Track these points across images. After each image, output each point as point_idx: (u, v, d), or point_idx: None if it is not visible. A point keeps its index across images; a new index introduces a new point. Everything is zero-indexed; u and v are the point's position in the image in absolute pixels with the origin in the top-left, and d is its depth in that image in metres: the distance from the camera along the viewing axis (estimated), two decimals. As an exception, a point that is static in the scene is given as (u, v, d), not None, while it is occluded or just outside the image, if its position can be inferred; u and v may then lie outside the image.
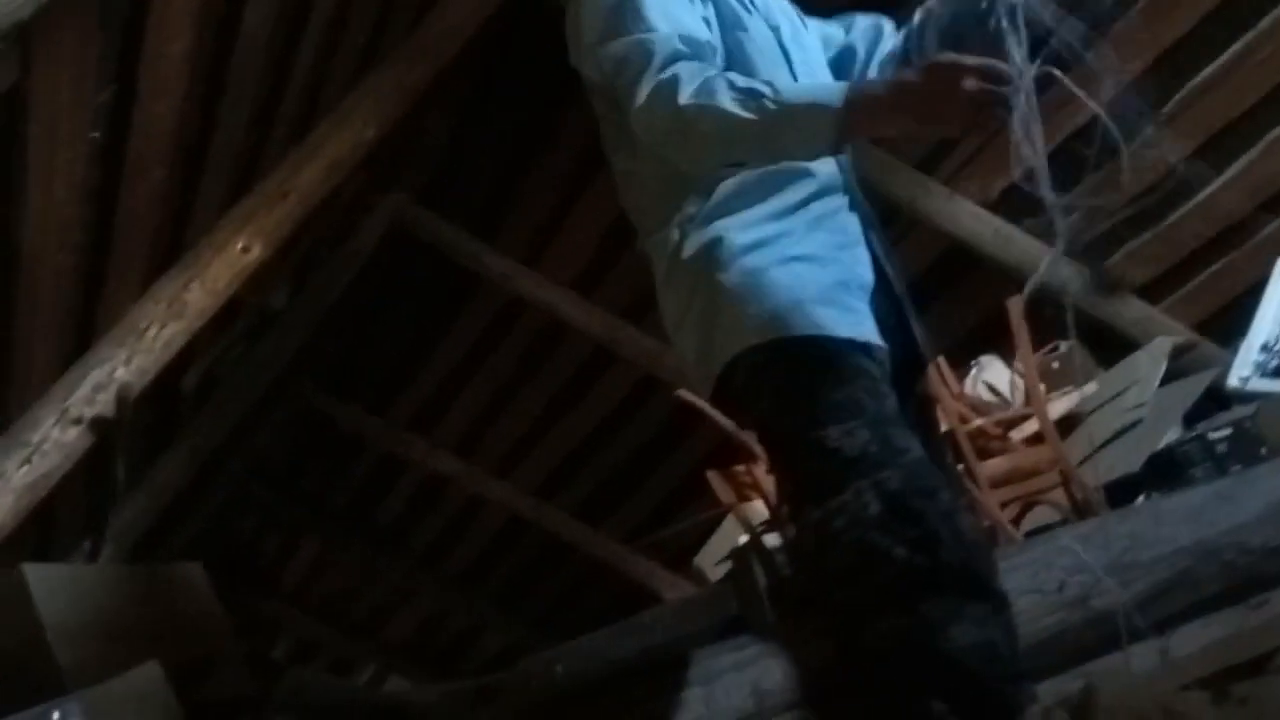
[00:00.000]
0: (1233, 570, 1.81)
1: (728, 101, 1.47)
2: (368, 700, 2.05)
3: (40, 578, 2.10)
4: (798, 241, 1.63)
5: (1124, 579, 1.75)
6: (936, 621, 1.43)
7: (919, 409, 1.81)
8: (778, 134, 1.49)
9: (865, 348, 1.59)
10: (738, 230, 1.62)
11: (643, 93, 1.52)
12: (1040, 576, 1.73)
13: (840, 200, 1.71)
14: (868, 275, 1.67)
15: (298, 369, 5.13)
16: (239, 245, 3.37)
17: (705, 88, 1.49)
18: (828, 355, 1.55)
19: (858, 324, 1.60)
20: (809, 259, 1.62)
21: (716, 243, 1.62)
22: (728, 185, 1.63)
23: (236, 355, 4.52)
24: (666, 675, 1.50)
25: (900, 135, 1.65)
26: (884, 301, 1.69)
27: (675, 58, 1.54)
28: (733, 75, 1.52)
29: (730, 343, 1.59)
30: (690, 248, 1.64)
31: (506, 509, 5.88)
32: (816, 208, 1.67)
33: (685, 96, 1.48)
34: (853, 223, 1.71)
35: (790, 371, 1.56)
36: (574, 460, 5.58)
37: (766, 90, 1.48)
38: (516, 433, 5.62)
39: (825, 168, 1.68)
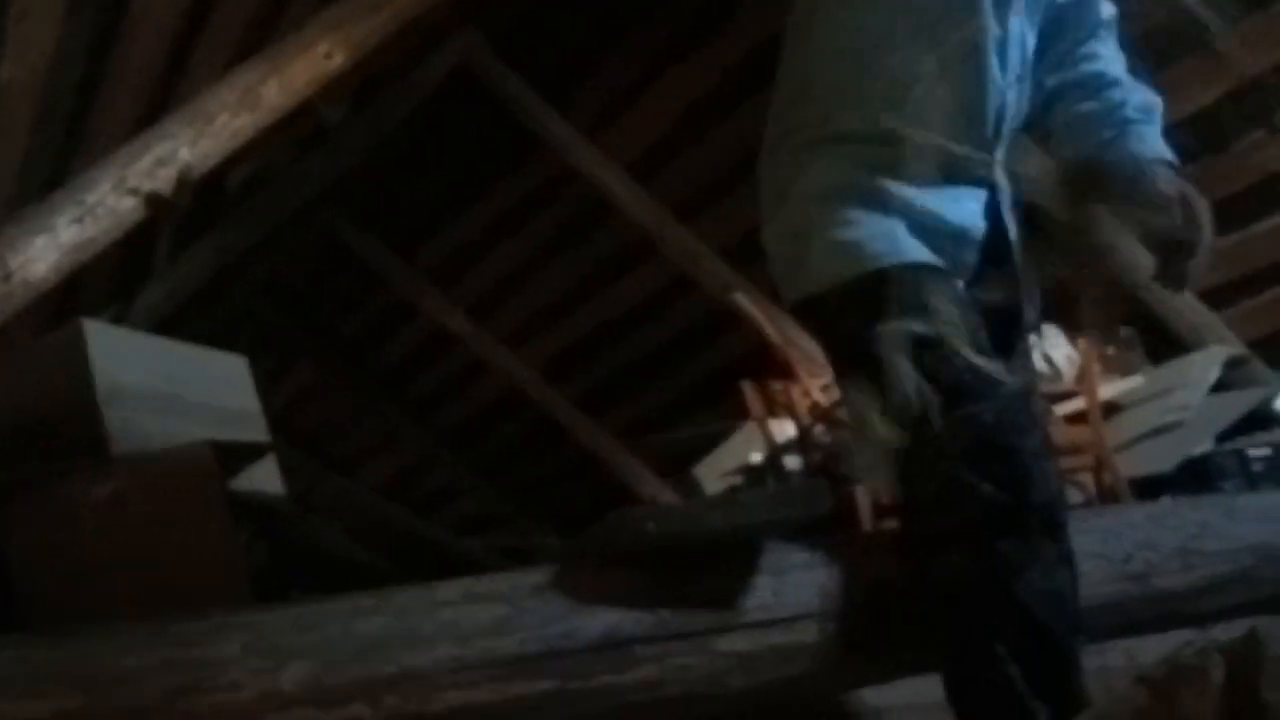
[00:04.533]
0: (1292, 581, 1.82)
1: None
2: (410, 530, 2.04)
3: (99, 335, 2.05)
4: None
5: (1187, 564, 1.76)
6: (1013, 563, 1.41)
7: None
8: None
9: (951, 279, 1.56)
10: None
11: None
12: (1109, 544, 1.73)
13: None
14: (972, 233, 1.62)
15: (336, 193, 5.04)
16: (323, 49, 3.28)
17: None
18: (918, 282, 1.52)
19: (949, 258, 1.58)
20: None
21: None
22: None
23: (284, 164, 4.43)
24: (744, 556, 1.49)
25: None
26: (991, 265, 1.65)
27: None
28: None
29: (829, 266, 1.56)
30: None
31: (509, 381, 5.85)
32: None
33: None
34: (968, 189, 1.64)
35: (880, 294, 1.51)
36: (588, 346, 5.54)
37: None
38: (536, 306, 5.57)
39: None
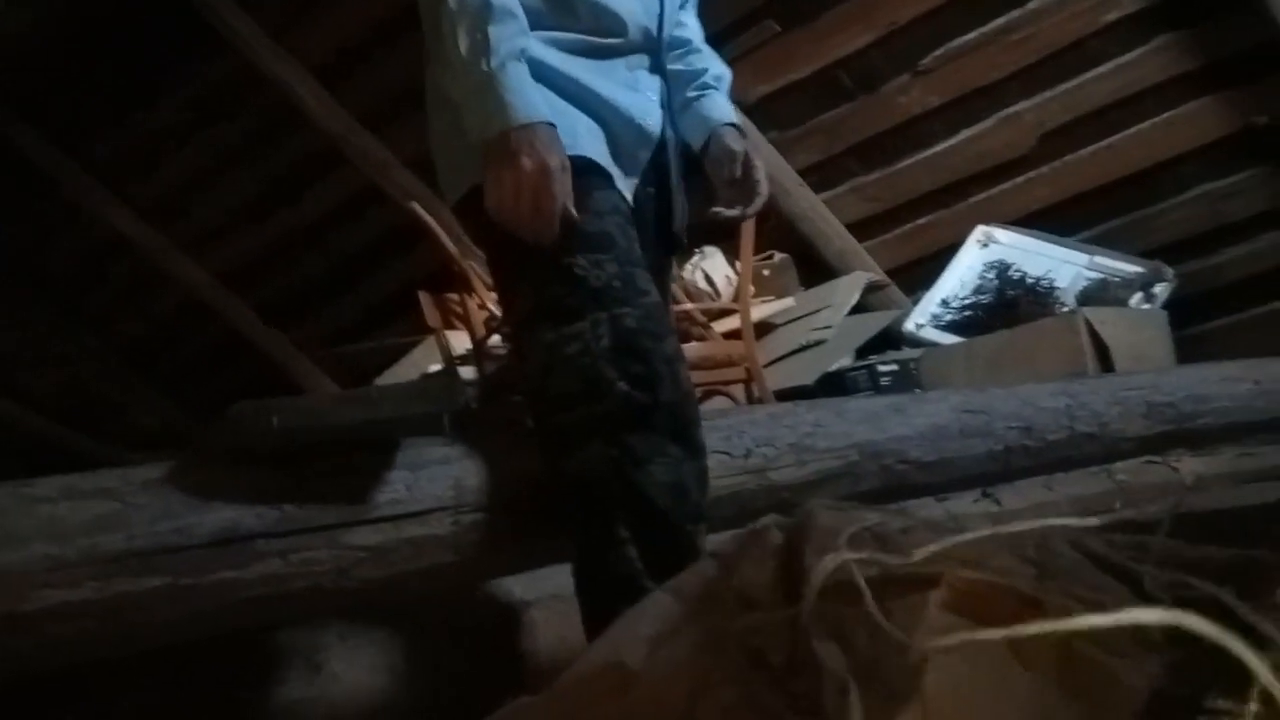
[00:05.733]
0: (889, 474, 2.03)
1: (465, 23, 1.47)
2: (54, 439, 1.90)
3: None
4: (592, 75, 1.65)
5: (801, 459, 1.92)
6: (639, 456, 1.51)
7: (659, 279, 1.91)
8: (466, 95, 1.49)
9: (617, 188, 1.64)
10: (540, 49, 1.60)
11: None
12: (732, 441, 1.86)
13: (644, 63, 1.74)
14: (651, 130, 1.72)
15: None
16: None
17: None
18: (588, 185, 1.58)
19: (620, 166, 1.66)
20: (594, 93, 1.64)
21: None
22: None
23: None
24: (379, 451, 1.50)
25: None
26: (652, 163, 1.75)
27: None
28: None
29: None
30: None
31: (188, 290, 5.53)
32: (621, 65, 1.70)
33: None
34: (650, 81, 1.75)
35: None
36: (273, 255, 5.31)
37: (493, 58, 1.46)
38: (218, 212, 5.27)
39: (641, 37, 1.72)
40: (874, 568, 0.88)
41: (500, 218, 1.49)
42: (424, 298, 3.50)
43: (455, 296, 3.42)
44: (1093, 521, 0.90)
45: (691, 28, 1.89)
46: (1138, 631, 0.85)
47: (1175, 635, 0.79)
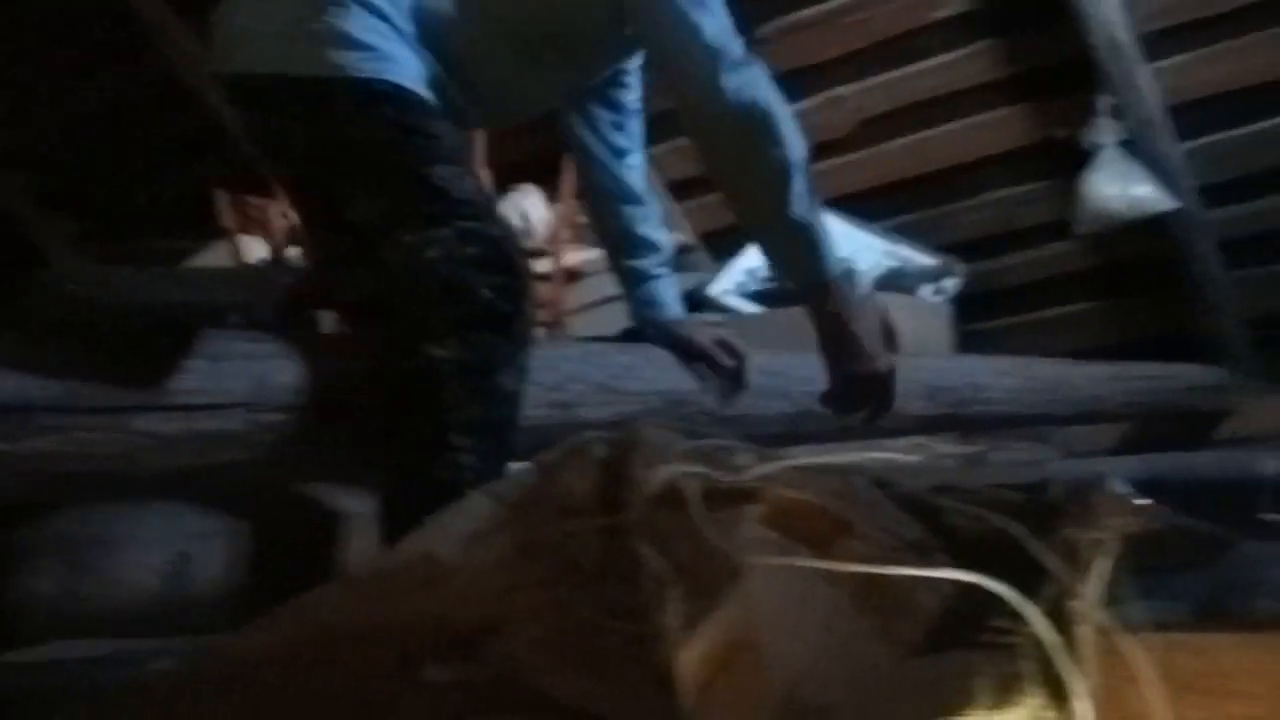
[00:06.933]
0: (687, 423, 2.08)
1: (800, 178, 1.63)
2: None
3: None
4: None
5: (606, 399, 1.95)
6: (496, 362, 1.51)
7: None
8: (789, 239, 1.70)
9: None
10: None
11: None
12: (543, 373, 1.86)
13: None
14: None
15: None
16: None
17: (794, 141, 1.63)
18: (437, 111, 1.59)
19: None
20: None
21: None
22: None
23: None
24: (179, 336, 1.43)
25: (834, 343, 1.88)
26: None
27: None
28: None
29: (336, 56, 1.54)
30: None
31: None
32: None
33: (780, 127, 1.61)
34: None
35: (405, 110, 1.56)
36: (57, 138, 4.94)
37: (816, 211, 1.69)
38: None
39: None
40: (699, 482, 0.91)
41: (842, 349, 1.82)
42: (221, 197, 3.33)
43: (256, 201, 3.27)
44: (911, 459, 0.95)
45: (631, 131, 1.98)
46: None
47: (967, 559, 0.85)
